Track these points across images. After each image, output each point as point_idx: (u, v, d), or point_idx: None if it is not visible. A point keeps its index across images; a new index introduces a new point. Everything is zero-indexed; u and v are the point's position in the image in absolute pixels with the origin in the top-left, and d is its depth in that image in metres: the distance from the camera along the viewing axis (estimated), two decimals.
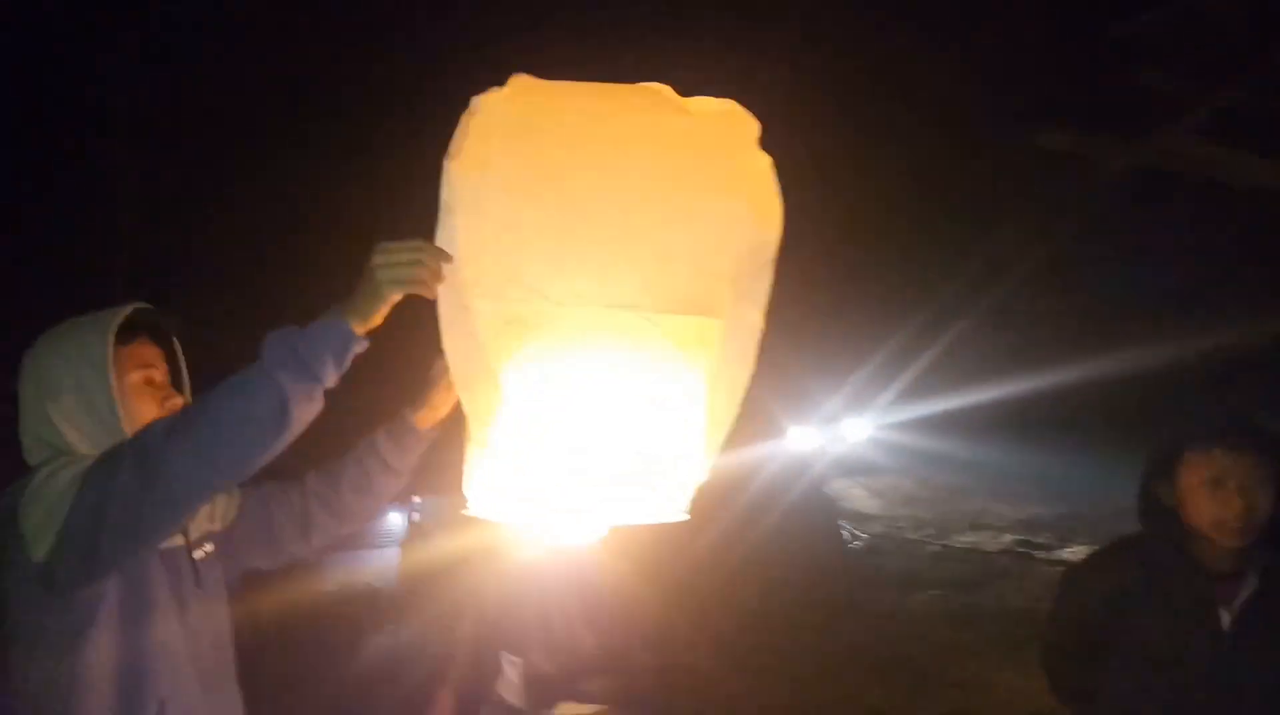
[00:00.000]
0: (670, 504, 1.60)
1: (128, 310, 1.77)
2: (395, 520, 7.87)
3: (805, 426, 13.06)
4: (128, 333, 1.77)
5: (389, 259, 1.46)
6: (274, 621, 5.99)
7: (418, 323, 1.59)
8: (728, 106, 1.67)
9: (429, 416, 1.93)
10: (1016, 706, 5.78)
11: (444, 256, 1.49)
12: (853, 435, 15.10)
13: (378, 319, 1.51)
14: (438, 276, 1.48)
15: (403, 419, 1.94)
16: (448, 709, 2.84)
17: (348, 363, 1.52)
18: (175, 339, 1.89)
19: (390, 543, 7.69)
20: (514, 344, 1.53)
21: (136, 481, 1.49)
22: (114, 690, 1.63)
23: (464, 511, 1.59)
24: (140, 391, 1.77)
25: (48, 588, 1.59)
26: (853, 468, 15.87)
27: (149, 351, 1.82)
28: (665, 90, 1.67)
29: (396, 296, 1.49)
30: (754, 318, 1.66)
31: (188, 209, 6.99)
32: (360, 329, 1.51)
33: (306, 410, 1.51)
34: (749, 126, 1.67)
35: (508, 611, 2.75)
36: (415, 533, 7.44)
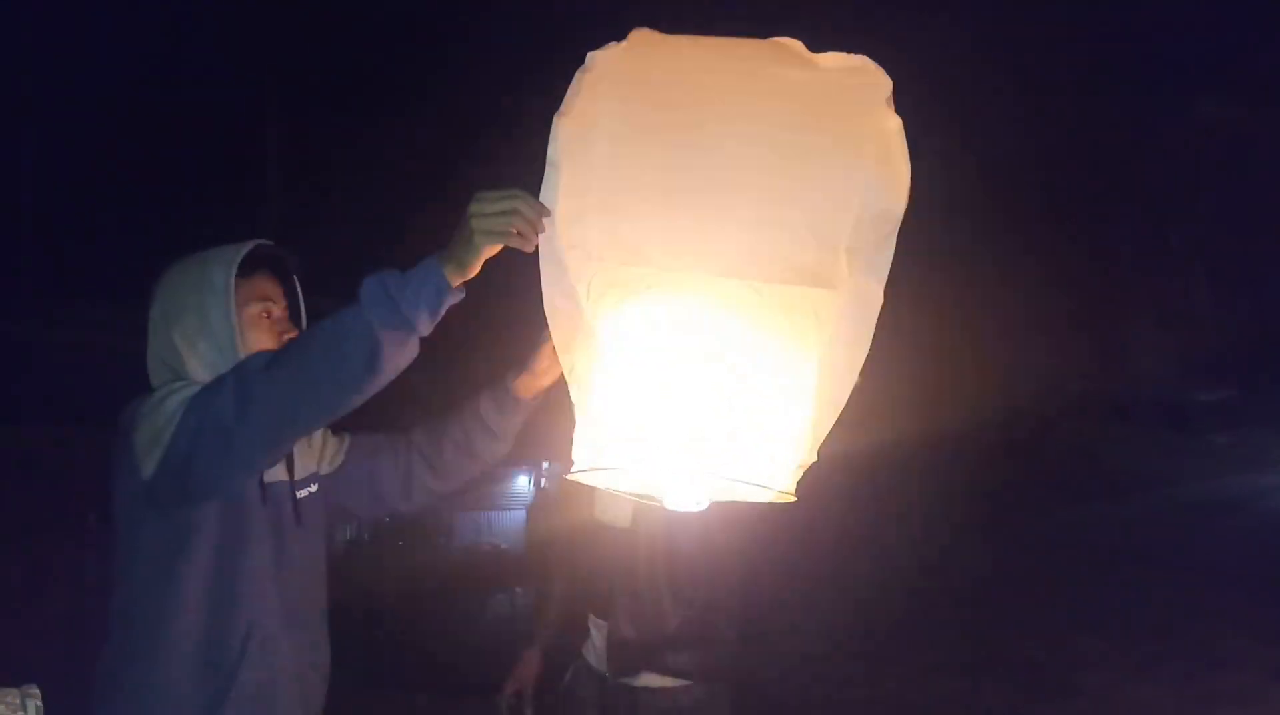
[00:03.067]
0: (773, 484, 1.52)
1: (251, 245, 1.82)
2: (522, 483, 7.99)
3: None
4: (251, 267, 1.82)
5: (484, 209, 1.43)
6: (402, 577, 6.19)
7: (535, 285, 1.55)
8: (858, 62, 1.56)
9: (530, 384, 1.91)
10: None
11: (541, 209, 1.45)
12: None
13: (474, 270, 1.48)
14: (535, 228, 1.44)
15: (504, 384, 1.93)
16: (534, 667, 2.86)
17: (442, 312, 1.50)
18: (295, 277, 1.93)
19: (518, 506, 7.82)
20: (616, 308, 1.48)
21: (231, 410, 1.52)
22: (205, 612, 1.68)
23: (567, 476, 1.56)
24: (258, 323, 1.82)
25: (151, 504, 1.65)
26: None
27: (269, 286, 1.86)
28: (794, 45, 1.57)
29: (491, 248, 1.45)
30: (873, 292, 1.56)
31: (330, 165, 7.21)
32: (456, 279, 1.47)
33: (399, 356, 1.50)
34: (880, 83, 1.55)
35: (597, 574, 2.73)
36: (542, 497, 7.53)
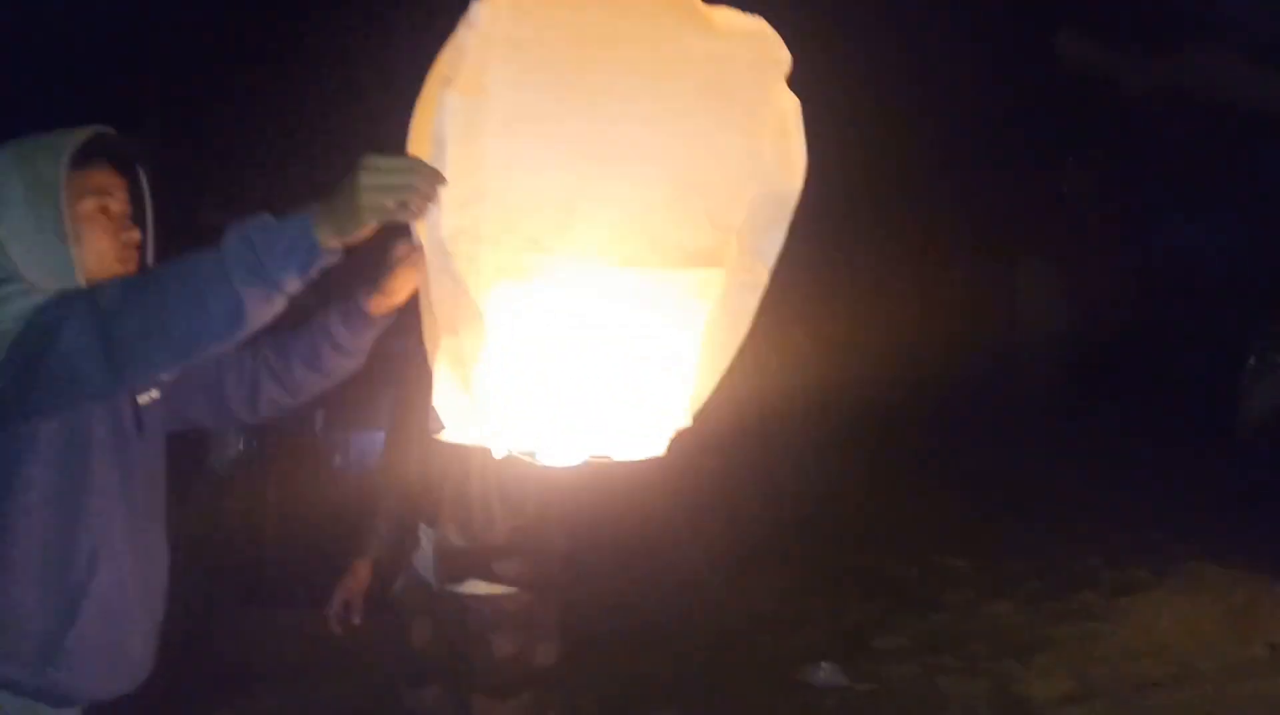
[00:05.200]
0: (646, 450, 1.56)
1: (86, 134, 1.66)
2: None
3: None
4: (86, 158, 1.68)
5: (376, 180, 1.33)
6: (290, 497, 6.20)
7: None
8: (756, 27, 1.51)
9: (383, 302, 1.80)
10: (1006, 637, 5.79)
11: (438, 179, 1.34)
12: None
13: (354, 239, 1.39)
14: (427, 202, 1.35)
15: (355, 302, 1.82)
16: (363, 579, 2.85)
17: (314, 274, 1.42)
18: (141, 169, 1.79)
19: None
20: (502, 292, 1.44)
21: (84, 340, 1.43)
22: (49, 526, 1.61)
23: (436, 436, 1.55)
24: (93, 219, 1.68)
25: None
26: None
27: (107, 179, 1.71)
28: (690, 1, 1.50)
29: (377, 222, 1.37)
30: (759, 273, 1.56)
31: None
32: (332, 243, 1.39)
33: (264, 312, 1.43)
34: (780, 58, 1.51)
35: (428, 483, 2.74)
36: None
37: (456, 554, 2.71)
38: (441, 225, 1.39)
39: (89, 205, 1.67)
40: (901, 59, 8.80)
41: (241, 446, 6.77)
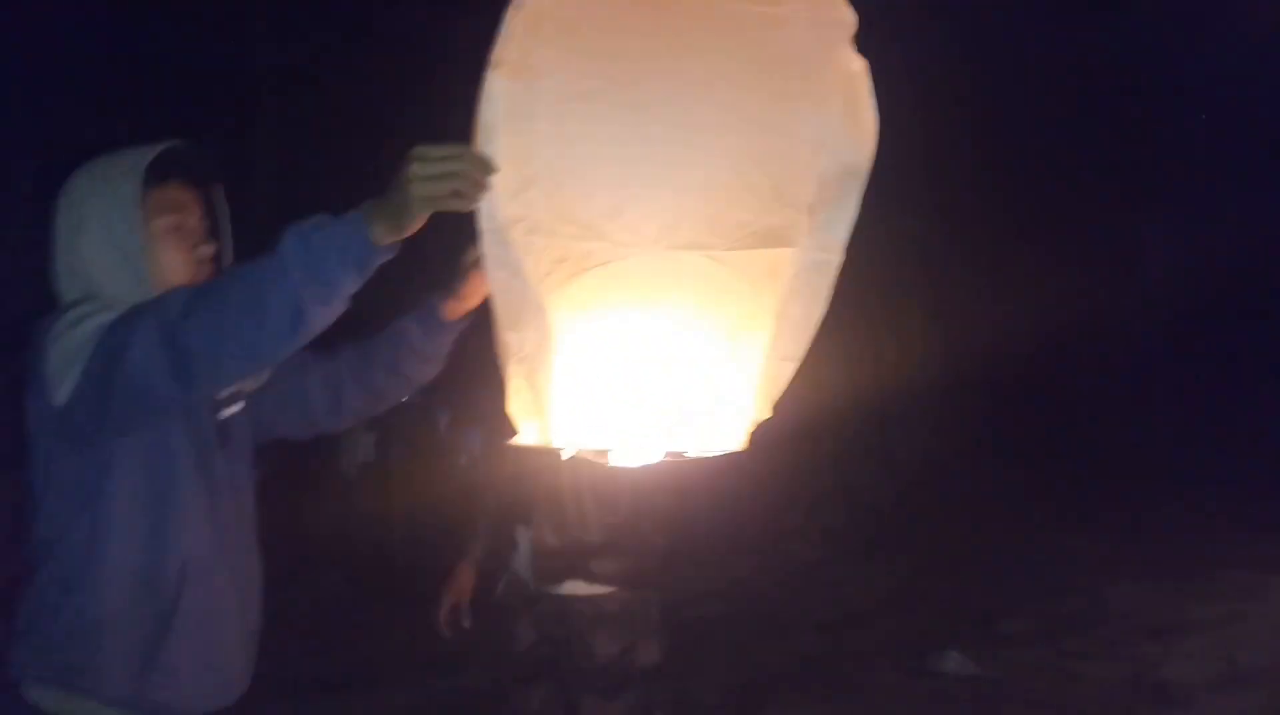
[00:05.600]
0: (725, 445, 1.49)
1: (159, 149, 1.68)
2: None
3: None
4: (164, 173, 1.69)
5: (425, 170, 1.31)
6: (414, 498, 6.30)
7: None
8: None
9: (457, 307, 1.81)
10: (1142, 619, 5.55)
11: (487, 167, 1.33)
12: None
13: (408, 232, 1.38)
14: (479, 189, 1.33)
15: (430, 307, 1.83)
16: (467, 581, 2.87)
17: (370, 272, 1.41)
18: (217, 184, 1.80)
19: None
20: (565, 284, 1.40)
21: (151, 351, 1.44)
22: (136, 542, 1.61)
23: (511, 441, 1.52)
24: (168, 236, 1.70)
25: (65, 434, 1.57)
26: None
27: (182, 194, 1.73)
28: None
29: (429, 212, 1.35)
30: (833, 250, 1.48)
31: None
32: (388, 238, 1.37)
33: (327, 313, 1.42)
34: (842, 17, 1.42)
35: (521, 484, 2.75)
36: None
37: (553, 554, 2.71)
38: (496, 214, 1.35)
39: (164, 222, 1.69)
40: (1012, 17, 8.44)
41: (373, 449, 6.95)
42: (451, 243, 1.64)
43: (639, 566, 2.75)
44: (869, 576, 6.64)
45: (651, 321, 1.42)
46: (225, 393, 1.75)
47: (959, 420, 9.29)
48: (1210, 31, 9.25)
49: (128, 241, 1.63)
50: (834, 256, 1.48)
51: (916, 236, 8.74)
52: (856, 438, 8.48)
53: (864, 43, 1.44)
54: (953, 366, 8.99)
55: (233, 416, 1.78)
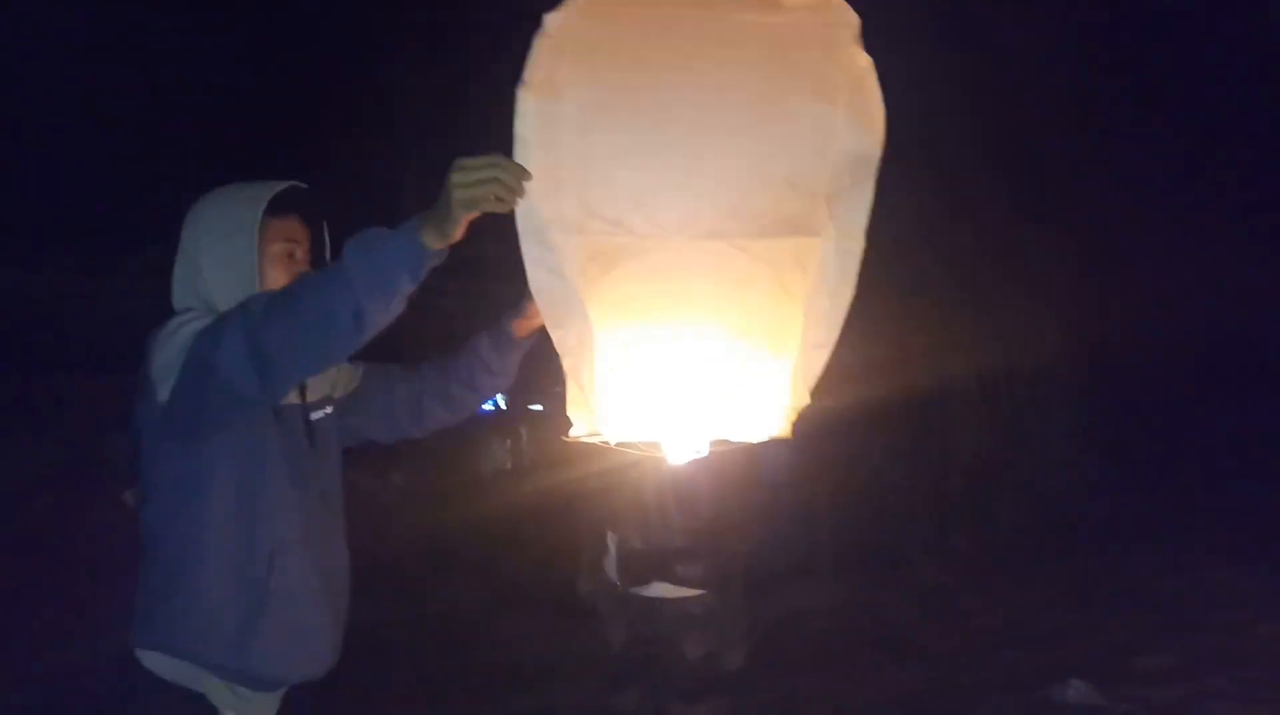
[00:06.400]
0: (767, 431, 1.58)
1: (283, 186, 1.88)
2: None
3: None
4: (284, 207, 1.89)
5: (465, 178, 1.44)
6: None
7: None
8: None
9: (524, 325, 2.01)
10: None
11: (522, 173, 1.46)
12: None
13: (455, 236, 1.51)
14: (515, 192, 1.47)
15: (501, 326, 2.03)
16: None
17: (424, 275, 1.55)
18: (326, 221, 2.02)
19: None
20: (600, 280, 1.52)
21: (237, 350, 1.62)
22: (230, 531, 1.78)
23: (564, 437, 1.63)
24: (279, 261, 1.89)
25: (168, 433, 1.76)
26: None
27: (296, 228, 1.93)
28: None
29: (471, 216, 1.49)
30: (854, 238, 1.56)
31: None
32: (437, 244, 1.52)
33: (384, 315, 1.57)
34: (848, 21, 1.52)
35: (607, 490, 2.84)
36: None
37: (638, 557, 2.80)
38: (531, 217, 1.49)
39: (278, 249, 1.90)
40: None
41: (509, 456, 7.21)
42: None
43: (722, 570, 2.81)
44: (1001, 601, 6.52)
45: (684, 312, 1.53)
46: (315, 397, 1.94)
47: (1101, 438, 8.97)
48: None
49: (243, 260, 1.83)
50: (855, 244, 1.56)
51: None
52: (991, 456, 8.31)
53: (871, 41, 1.52)
54: (1091, 382, 8.67)
55: (322, 419, 1.97)
